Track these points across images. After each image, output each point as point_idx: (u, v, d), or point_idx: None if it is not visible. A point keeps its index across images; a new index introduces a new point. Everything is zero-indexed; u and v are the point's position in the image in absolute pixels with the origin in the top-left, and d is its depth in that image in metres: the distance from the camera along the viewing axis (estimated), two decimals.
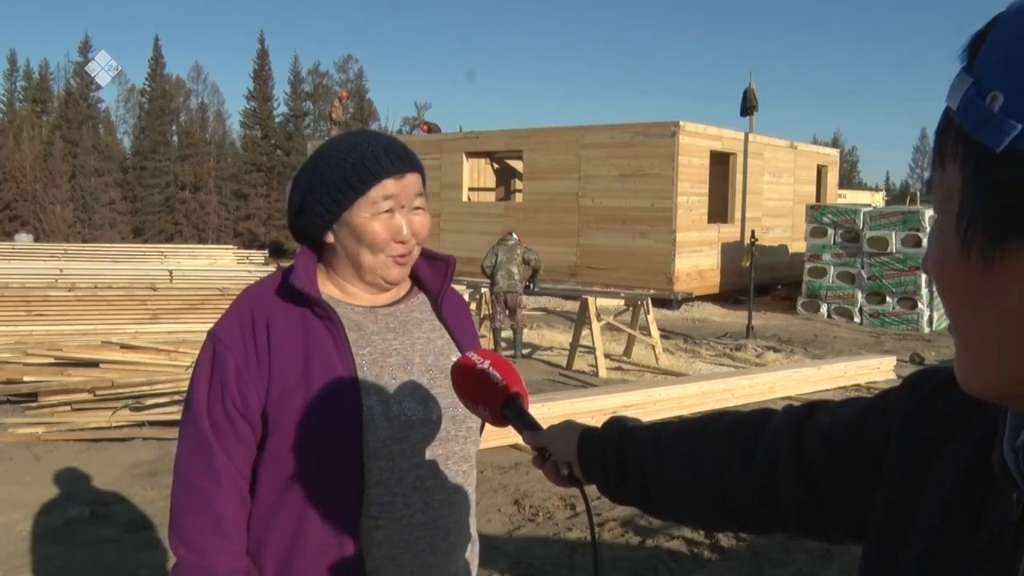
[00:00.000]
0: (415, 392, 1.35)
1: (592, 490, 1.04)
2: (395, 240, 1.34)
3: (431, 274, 1.48)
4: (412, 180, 1.35)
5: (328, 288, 1.40)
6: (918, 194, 27.02)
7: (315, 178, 1.35)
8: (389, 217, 1.33)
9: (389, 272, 1.37)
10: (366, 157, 1.31)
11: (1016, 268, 0.48)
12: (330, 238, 1.37)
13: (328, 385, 1.29)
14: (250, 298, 1.37)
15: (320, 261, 1.42)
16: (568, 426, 1.06)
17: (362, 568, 1.30)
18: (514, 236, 9.60)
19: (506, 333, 9.41)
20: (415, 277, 1.49)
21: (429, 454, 1.35)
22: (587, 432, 1.03)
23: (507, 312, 9.21)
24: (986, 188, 0.49)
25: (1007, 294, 0.49)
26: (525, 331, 11.04)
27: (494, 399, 1.09)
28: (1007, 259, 0.49)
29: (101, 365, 6.60)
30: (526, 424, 1.09)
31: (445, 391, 1.38)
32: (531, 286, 9.59)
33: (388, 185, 1.32)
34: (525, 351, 9.72)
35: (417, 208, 1.37)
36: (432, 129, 20.13)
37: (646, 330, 9.17)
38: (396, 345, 1.38)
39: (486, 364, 1.11)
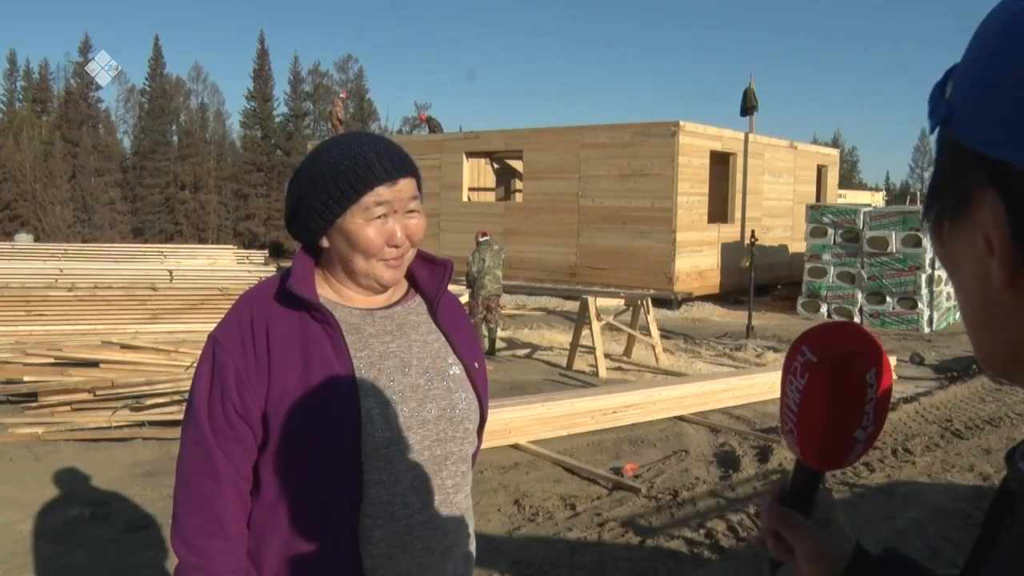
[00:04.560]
0: (413, 394, 1.36)
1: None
2: (389, 245, 1.35)
3: (428, 277, 1.49)
4: (406, 185, 1.36)
5: (325, 291, 1.41)
6: (918, 194, 27.04)
7: (309, 184, 1.36)
8: (383, 223, 1.34)
9: (382, 275, 1.38)
10: (359, 164, 1.32)
11: (955, 245, 0.51)
12: (325, 243, 1.38)
13: (327, 387, 1.30)
14: (249, 301, 1.39)
15: (317, 264, 1.42)
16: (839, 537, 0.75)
17: (360, 567, 1.31)
18: (488, 236, 9.61)
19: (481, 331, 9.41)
20: (412, 280, 1.50)
21: (427, 455, 1.36)
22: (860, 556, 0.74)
23: (486, 313, 9.21)
24: (934, 168, 0.53)
25: (962, 268, 0.52)
26: (525, 331, 11.06)
27: (843, 443, 0.68)
28: (950, 236, 0.51)
29: (101, 365, 6.61)
30: (806, 506, 0.74)
31: (442, 393, 1.38)
32: None
33: (381, 192, 1.33)
34: (525, 351, 9.74)
35: (412, 211, 1.37)
36: (431, 123, 20.02)
37: (646, 330, 9.17)
38: (393, 348, 1.39)
39: (873, 387, 0.66)
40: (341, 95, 24.21)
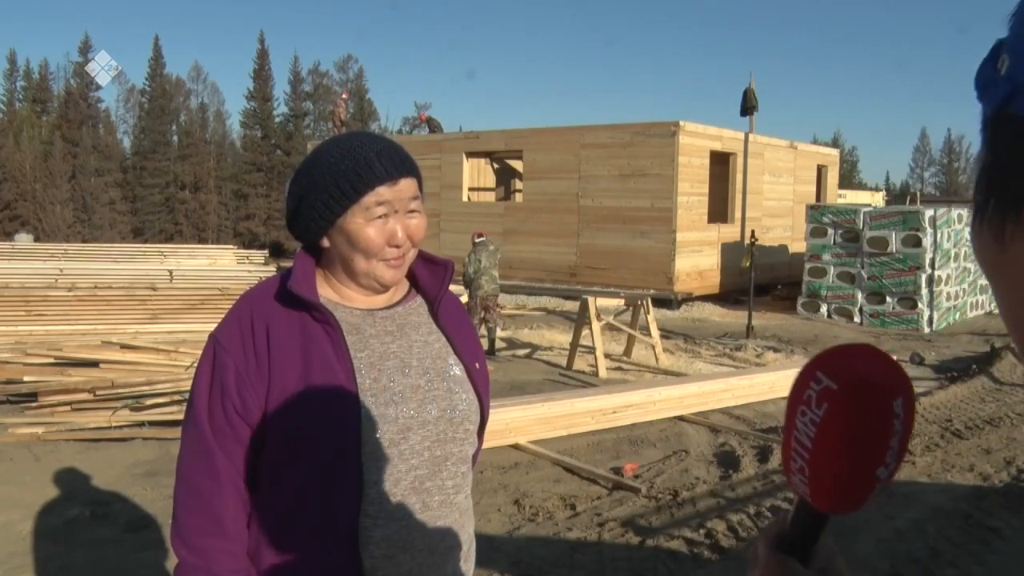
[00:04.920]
0: (413, 394, 1.36)
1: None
2: (390, 244, 1.35)
3: (429, 277, 1.48)
4: (406, 185, 1.36)
5: (326, 291, 1.41)
6: (918, 194, 27.04)
7: (309, 184, 1.36)
8: (383, 222, 1.34)
9: (383, 275, 1.38)
10: (359, 164, 1.32)
11: (1019, 251, 0.43)
12: (325, 243, 1.38)
13: (327, 387, 1.30)
14: (250, 301, 1.39)
15: (318, 264, 1.42)
16: None
17: (360, 567, 1.31)
18: (485, 237, 9.64)
19: (480, 331, 9.42)
20: (413, 280, 1.49)
21: (427, 455, 1.36)
22: None
23: (484, 313, 9.23)
24: (989, 159, 0.45)
25: (1020, 278, 0.44)
26: (525, 331, 11.06)
27: (862, 479, 0.59)
28: (1015, 236, 0.43)
29: (101, 365, 6.61)
30: (806, 554, 0.66)
31: (443, 393, 1.38)
32: None
33: (382, 191, 1.33)
34: (525, 351, 9.74)
35: (412, 211, 1.37)
36: (431, 123, 20.02)
37: (646, 330, 9.18)
38: (394, 348, 1.39)
39: (900, 418, 0.58)
40: (343, 96, 24.19)
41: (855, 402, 0.57)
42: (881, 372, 0.58)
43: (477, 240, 9.51)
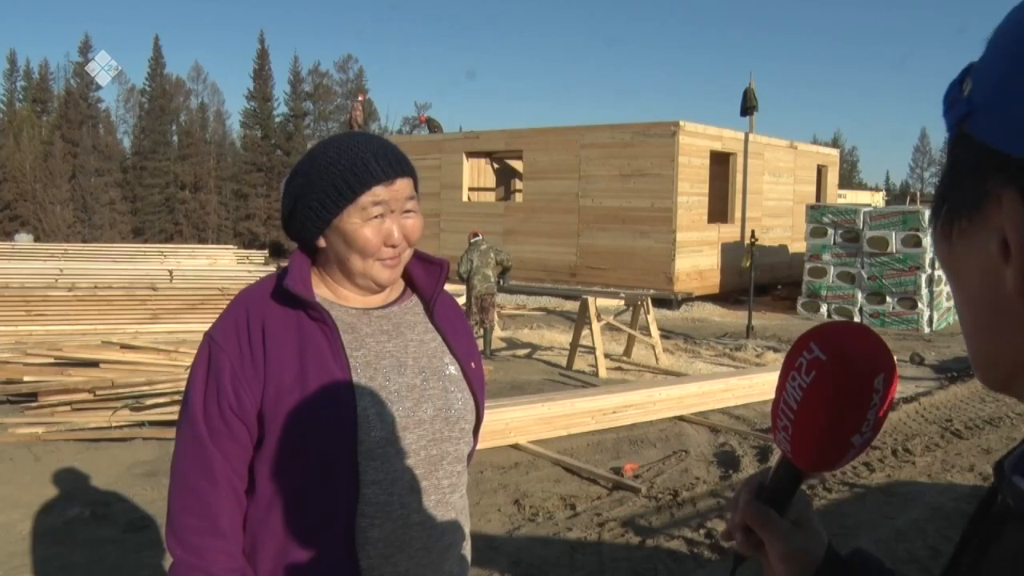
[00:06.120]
0: (409, 393, 1.36)
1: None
2: (386, 244, 1.35)
3: (425, 277, 1.48)
4: (403, 185, 1.36)
5: (322, 290, 1.41)
6: (918, 194, 27.04)
7: (305, 184, 1.35)
8: (380, 222, 1.34)
9: (379, 275, 1.38)
10: (356, 163, 1.32)
11: (964, 249, 0.49)
12: (322, 242, 1.38)
13: (323, 386, 1.30)
14: (246, 300, 1.38)
15: (314, 263, 1.42)
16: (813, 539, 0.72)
17: (357, 567, 1.31)
18: (480, 236, 9.64)
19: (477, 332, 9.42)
20: (409, 279, 1.50)
21: (424, 454, 1.36)
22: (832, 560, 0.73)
23: (480, 315, 9.23)
24: (946, 167, 0.52)
25: (969, 273, 0.50)
26: (525, 331, 11.06)
27: (837, 444, 0.64)
28: (959, 238, 0.50)
29: (101, 365, 6.60)
30: (783, 505, 0.71)
31: (438, 392, 1.38)
32: (501, 282, 9.79)
33: (378, 191, 1.33)
34: (525, 351, 9.74)
35: (408, 211, 1.37)
36: (431, 123, 20.02)
37: (646, 330, 9.17)
38: (389, 347, 1.39)
39: (879, 393, 0.63)
40: (359, 98, 24.09)
41: (839, 374, 0.62)
42: (867, 350, 0.63)
43: (472, 240, 9.53)
